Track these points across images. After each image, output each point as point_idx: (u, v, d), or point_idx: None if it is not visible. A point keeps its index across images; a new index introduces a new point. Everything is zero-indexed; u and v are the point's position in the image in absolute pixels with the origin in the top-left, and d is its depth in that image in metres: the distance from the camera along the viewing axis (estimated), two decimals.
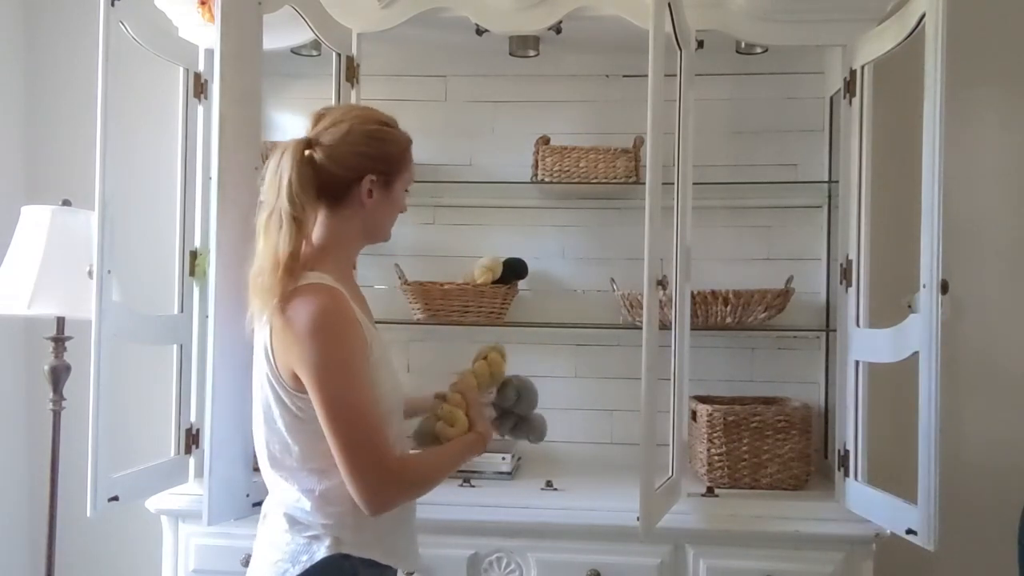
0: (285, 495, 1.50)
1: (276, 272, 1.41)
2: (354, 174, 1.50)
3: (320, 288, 1.43)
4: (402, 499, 1.48)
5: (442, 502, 1.97)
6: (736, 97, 2.59)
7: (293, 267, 1.42)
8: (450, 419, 1.64)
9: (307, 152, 1.48)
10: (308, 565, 1.45)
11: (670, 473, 2.12)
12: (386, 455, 1.42)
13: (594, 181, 2.44)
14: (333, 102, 2.21)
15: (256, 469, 1.64)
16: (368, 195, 1.51)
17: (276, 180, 1.45)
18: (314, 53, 2.45)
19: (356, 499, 1.41)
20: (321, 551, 1.46)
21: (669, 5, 1.94)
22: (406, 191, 1.60)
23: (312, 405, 1.41)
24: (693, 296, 2.30)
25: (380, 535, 1.50)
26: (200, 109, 2.31)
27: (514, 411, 1.83)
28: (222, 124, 1.76)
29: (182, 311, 2.29)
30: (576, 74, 2.62)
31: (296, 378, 1.42)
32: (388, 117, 1.57)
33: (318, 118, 1.53)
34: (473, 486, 2.24)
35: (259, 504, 1.87)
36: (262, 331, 1.48)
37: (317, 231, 1.52)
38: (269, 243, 1.44)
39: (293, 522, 1.49)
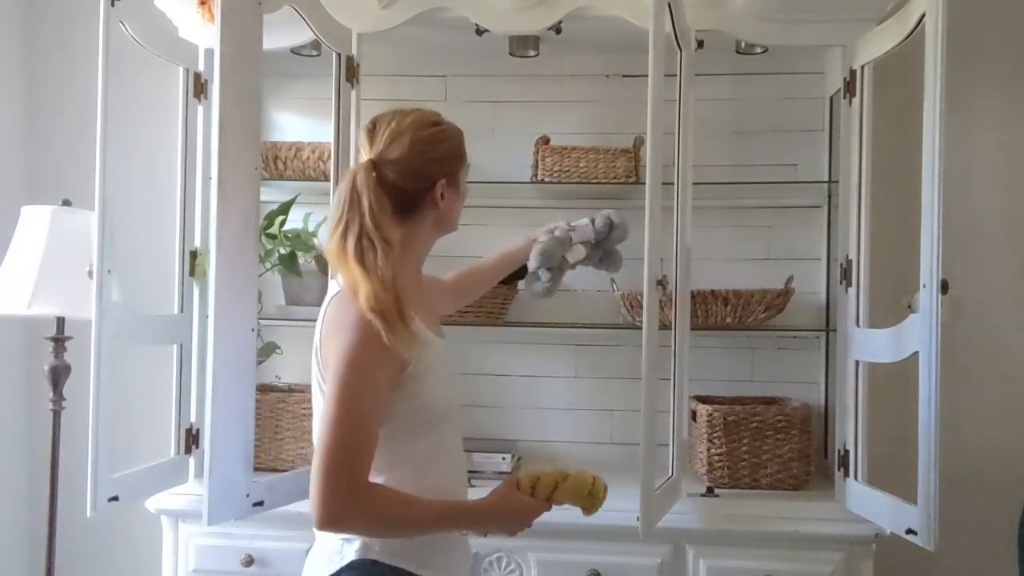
0: None
1: (389, 292, 1.39)
2: (427, 183, 1.52)
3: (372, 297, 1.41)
4: (357, 526, 1.40)
5: None
6: (736, 97, 2.59)
7: (400, 288, 1.40)
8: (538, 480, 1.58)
9: (374, 173, 1.48)
10: (339, 566, 1.45)
11: (670, 473, 2.12)
12: (358, 472, 1.37)
13: (594, 181, 2.43)
14: (333, 102, 2.21)
15: (256, 469, 1.65)
16: (441, 198, 1.54)
17: (356, 203, 1.45)
18: (314, 53, 2.45)
19: (311, 501, 1.35)
20: (351, 553, 1.45)
21: (669, 5, 1.94)
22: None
23: None
24: (693, 296, 2.30)
25: (412, 545, 1.46)
26: (200, 109, 2.31)
27: (603, 245, 1.97)
28: (222, 124, 1.76)
29: (182, 311, 2.30)
30: (576, 74, 2.62)
31: None
32: (435, 114, 1.58)
33: (371, 132, 1.53)
34: (473, 486, 2.23)
35: (259, 504, 1.89)
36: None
37: None
38: (369, 266, 1.41)
39: None
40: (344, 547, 1.45)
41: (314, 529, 1.42)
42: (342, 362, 1.38)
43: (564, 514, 1.85)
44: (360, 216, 1.44)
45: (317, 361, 1.48)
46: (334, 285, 1.52)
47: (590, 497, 1.60)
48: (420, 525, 1.45)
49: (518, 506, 1.54)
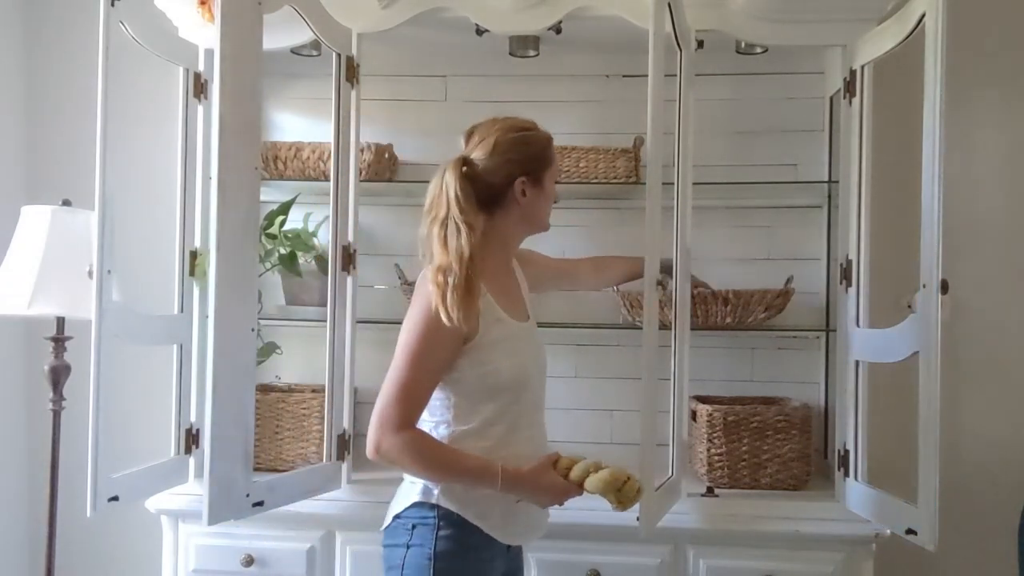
0: None
1: (463, 270, 1.62)
2: (507, 180, 1.74)
3: (445, 271, 1.65)
4: (394, 457, 1.63)
5: None
6: (736, 97, 2.59)
7: (473, 266, 1.63)
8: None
9: (464, 168, 1.71)
10: (404, 507, 1.70)
11: (670, 473, 2.12)
12: (408, 412, 1.63)
13: (594, 181, 2.44)
14: (333, 102, 2.21)
15: (256, 469, 1.67)
16: (522, 195, 1.75)
17: (443, 195, 1.69)
18: (314, 53, 2.45)
19: (370, 439, 1.64)
20: (415, 495, 1.69)
21: (669, 5, 1.94)
22: (556, 182, 1.84)
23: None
24: (693, 296, 2.30)
25: (474, 495, 1.67)
26: (200, 109, 2.31)
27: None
28: (222, 124, 1.76)
29: (182, 311, 2.30)
30: (576, 74, 2.61)
31: None
32: (527, 122, 1.81)
33: (469, 136, 1.79)
34: None
35: (259, 504, 1.89)
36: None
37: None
38: (450, 246, 1.65)
39: None
40: (411, 489, 1.70)
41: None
42: (409, 327, 1.66)
43: (564, 514, 1.86)
44: (447, 204, 1.67)
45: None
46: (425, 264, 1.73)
47: (621, 493, 1.71)
48: (453, 473, 1.67)
49: (550, 482, 1.72)
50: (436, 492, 1.67)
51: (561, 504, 1.75)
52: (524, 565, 1.95)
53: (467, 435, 1.70)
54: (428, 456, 1.65)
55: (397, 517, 1.72)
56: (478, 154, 1.73)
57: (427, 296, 1.64)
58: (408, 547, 1.67)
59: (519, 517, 1.74)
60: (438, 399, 1.71)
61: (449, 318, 1.59)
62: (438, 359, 1.66)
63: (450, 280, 1.60)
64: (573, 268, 2.23)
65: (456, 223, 1.65)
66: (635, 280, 2.17)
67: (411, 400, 1.64)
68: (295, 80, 2.63)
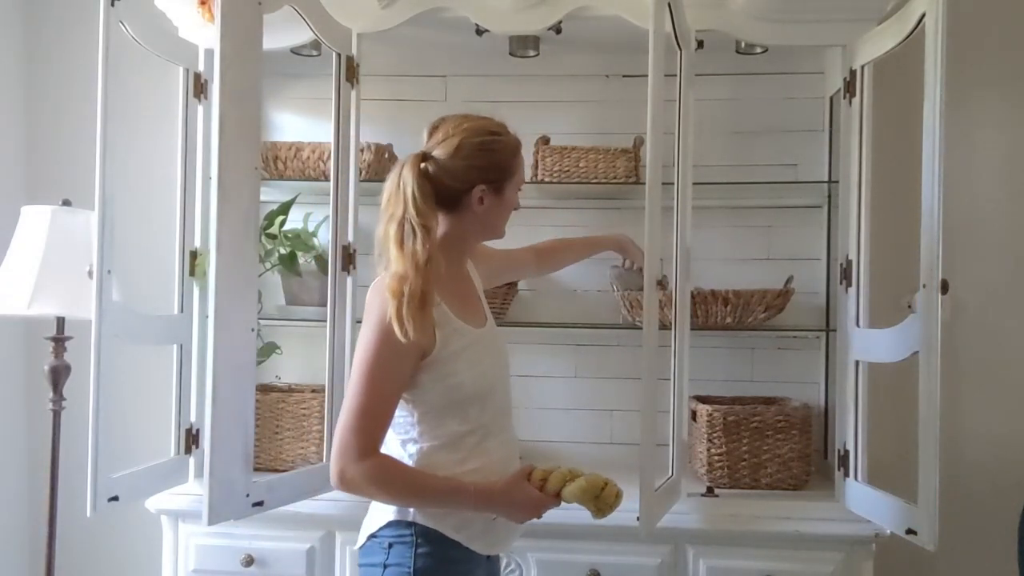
0: None
1: (419, 278, 1.53)
2: (466, 185, 1.62)
3: (401, 277, 1.55)
4: (362, 486, 1.54)
5: None
6: (736, 97, 2.59)
7: (429, 274, 1.54)
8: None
9: (423, 165, 1.61)
10: (379, 525, 1.61)
11: (670, 473, 2.12)
12: (370, 437, 1.53)
13: (594, 181, 2.44)
14: (333, 102, 2.21)
15: (256, 469, 1.66)
16: (479, 202, 1.64)
17: (400, 193, 1.58)
18: (314, 53, 2.45)
19: (332, 472, 1.54)
20: (390, 513, 1.60)
21: (669, 5, 1.94)
22: (519, 190, 1.72)
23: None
24: (693, 296, 2.30)
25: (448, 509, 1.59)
26: (200, 109, 2.31)
27: None
28: (222, 124, 1.76)
29: (182, 311, 2.30)
30: (576, 74, 2.61)
31: None
32: (498, 125, 1.68)
33: (433, 130, 1.66)
34: None
35: (259, 504, 1.89)
36: None
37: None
38: (407, 250, 1.55)
39: None
40: (386, 507, 1.61)
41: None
42: (364, 345, 1.55)
43: (564, 514, 1.85)
44: (404, 203, 1.57)
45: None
46: (379, 270, 1.63)
47: (599, 500, 1.62)
48: (425, 497, 1.58)
49: (524, 497, 1.62)
50: (411, 509, 1.59)
51: (539, 517, 1.66)
52: (503, 568, 1.93)
53: (437, 450, 1.61)
54: (396, 483, 1.56)
55: (373, 536, 1.63)
56: (439, 152, 1.61)
57: (381, 308, 1.54)
58: (386, 567, 1.59)
59: (498, 526, 1.66)
60: (402, 416, 1.62)
61: (404, 333, 1.50)
62: (396, 377, 1.56)
63: (406, 290, 1.51)
64: (523, 256, 2.13)
65: (412, 224, 1.56)
66: (586, 259, 2.27)
67: (372, 424, 1.54)
68: (295, 80, 2.63)
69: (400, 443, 1.63)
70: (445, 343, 1.58)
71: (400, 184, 1.59)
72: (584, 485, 1.62)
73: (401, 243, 1.56)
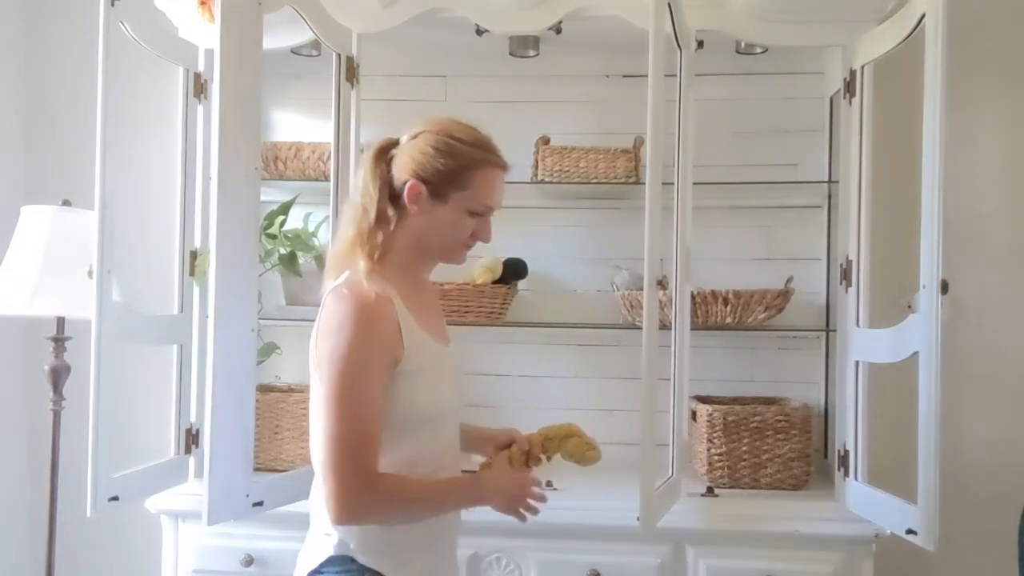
0: (317, 487, 1.48)
1: (340, 254, 1.49)
2: (404, 177, 1.50)
3: (358, 287, 1.44)
4: (372, 514, 1.42)
5: None
6: (736, 97, 2.59)
7: (354, 251, 1.47)
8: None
9: (389, 152, 1.52)
10: (319, 561, 1.47)
11: (670, 473, 2.12)
12: (367, 463, 1.38)
13: (594, 181, 2.44)
14: (333, 102, 2.21)
15: (256, 469, 1.65)
16: (411, 200, 1.49)
17: (360, 175, 1.53)
18: (314, 53, 2.45)
19: (325, 500, 1.38)
20: (329, 549, 1.46)
21: (669, 5, 1.94)
22: (472, 214, 1.52)
23: None
24: (693, 296, 2.30)
25: (391, 547, 1.47)
26: (200, 109, 2.31)
27: None
28: (222, 124, 1.76)
29: (182, 311, 2.30)
30: (576, 74, 2.62)
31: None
32: (470, 134, 1.53)
33: (419, 126, 1.55)
34: None
35: (259, 504, 1.89)
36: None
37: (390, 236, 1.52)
38: (342, 229, 1.52)
39: (316, 515, 1.50)
40: (325, 542, 1.47)
41: (332, 524, 1.42)
42: (336, 358, 1.39)
43: (564, 514, 1.86)
44: (360, 190, 1.51)
45: (313, 360, 1.48)
46: (328, 284, 1.51)
47: (578, 440, 1.67)
48: (430, 504, 1.47)
49: (508, 475, 1.59)
50: (352, 545, 1.44)
51: (529, 508, 1.56)
52: (502, 567, 1.87)
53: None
54: (408, 498, 1.44)
55: (315, 572, 1.47)
56: (403, 141, 1.52)
57: (345, 323, 1.39)
58: None
59: (440, 565, 1.56)
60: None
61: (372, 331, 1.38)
62: (378, 386, 1.40)
63: (367, 283, 1.41)
64: None
65: (354, 205, 1.51)
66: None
67: (366, 442, 1.38)
68: (295, 80, 2.63)
69: None
70: (410, 353, 1.44)
71: (361, 167, 1.53)
72: (559, 435, 1.67)
73: (357, 235, 1.48)
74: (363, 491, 1.38)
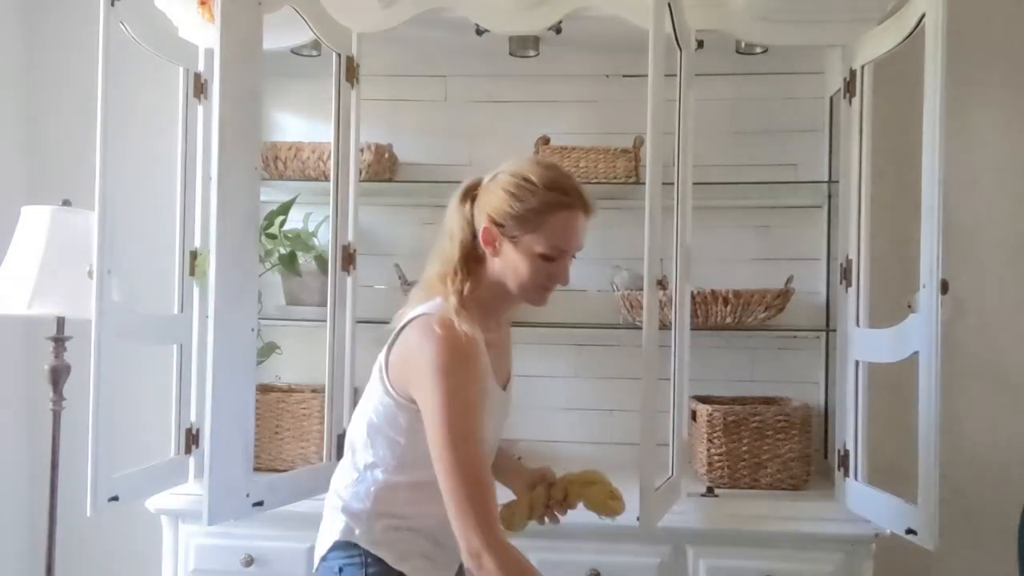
0: (340, 475, 1.61)
1: (431, 281, 1.55)
2: (480, 220, 1.54)
3: (449, 327, 1.45)
4: (498, 565, 1.40)
5: None
6: (736, 97, 2.59)
7: (443, 282, 1.52)
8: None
9: (473, 192, 1.56)
10: (326, 548, 1.57)
11: (670, 473, 2.12)
12: (494, 520, 1.43)
13: (594, 181, 2.44)
14: (333, 102, 2.21)
15: (256, 469, 1.66)
16: (485, 243, 1.53)
17: (447, 214, 1.58)
18: (314, 53, 2.45)
19: (465, 546, 1.40)
20: (335, 533, 1.55)
21: (669, 5, 1.94)
22: (545, 257, 1.52)
23: (406, 420, 1.49)
24: (693, 296, 2.30)
25: (396, 539, 1.54)
26: (200, 109, 2.31)
27: None
28: (222, 124, 1.76)
29: (182, 311, 2.29)
30: (576, 74, 2.62)
31: (410, 397, 1.49)
32: (544, 176, 1.52)
33: (500, 166, 1.58)
34: None
35: (259, 504, 1.89)
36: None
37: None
38: (434, 258, 1.57)
39: (333, 500, 1.59)
40: (332, 527, 1.57)
41: None
42: (441, 408, 1.41)
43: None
44: (448, 236, 1.56)
45: (382, 367, 1.53)
46: (416, 302, 1.57)
47: (600, 488, 1.68)
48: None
49: None
50: (357, 532, 1.52)
51: None
52: None
53: (401, 487, 1.53)
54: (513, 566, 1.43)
55: (323, 560, 1.56)
56: (484, 182, 1.56)
57: (441, 366, 1.42)
58: None
59: (444, 554, 1.58)
60: (388, 436, 1.52)
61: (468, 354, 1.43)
62: (481, 421, 1.45)
63: (459, 325, 1.44)
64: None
65: (447, 235, 1.56)
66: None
67: (489, 489, 1.43)
68: (295, 80, 2.63)
69: (365, 466, 1.55)
70: (480, 395, 1.47)
71: (447, 218, 1.58)
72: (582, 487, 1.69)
73: (443, 270, 1.54)
74: (494, 544, 1.41)
